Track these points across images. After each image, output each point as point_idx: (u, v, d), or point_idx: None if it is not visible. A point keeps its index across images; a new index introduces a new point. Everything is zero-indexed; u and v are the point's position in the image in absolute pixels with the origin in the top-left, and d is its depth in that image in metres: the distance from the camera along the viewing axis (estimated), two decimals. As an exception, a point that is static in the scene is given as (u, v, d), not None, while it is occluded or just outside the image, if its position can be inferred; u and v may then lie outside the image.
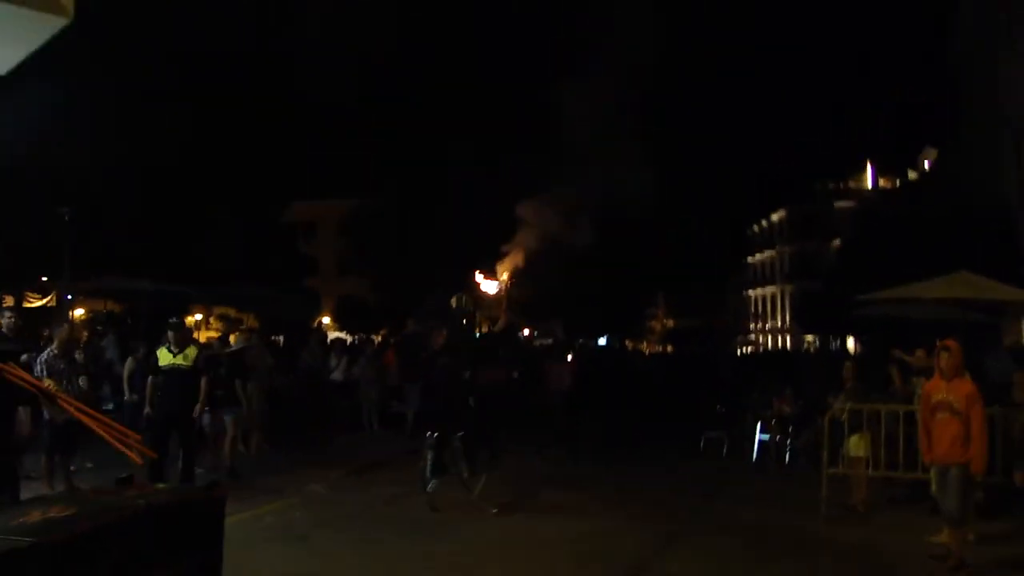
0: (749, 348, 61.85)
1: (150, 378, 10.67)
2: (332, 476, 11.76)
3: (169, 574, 3.70)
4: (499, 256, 23.63)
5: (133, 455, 4.88)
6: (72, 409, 4.76)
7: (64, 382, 9.92)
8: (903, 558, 7.95)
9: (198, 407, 10.55)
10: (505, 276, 16.50)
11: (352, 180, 32.76)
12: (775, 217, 68.89)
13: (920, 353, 10.37)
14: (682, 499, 10.80)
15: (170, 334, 10.51)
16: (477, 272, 15.58)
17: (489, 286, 15.26)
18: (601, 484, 11.76)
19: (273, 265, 36.49)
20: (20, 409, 9.00)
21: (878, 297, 13.82)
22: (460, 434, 9.97)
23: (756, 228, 73.25)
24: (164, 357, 10.34)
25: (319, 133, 33.61)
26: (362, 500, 10.45)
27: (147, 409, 10.55)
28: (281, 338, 24.93)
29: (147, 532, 3.63)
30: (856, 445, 9.96)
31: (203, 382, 10.58)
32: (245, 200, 31.51)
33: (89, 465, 10.52)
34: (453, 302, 10.63)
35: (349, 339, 22.27)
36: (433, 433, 9.86)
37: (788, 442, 13.59)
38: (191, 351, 10.48)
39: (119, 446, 4.68)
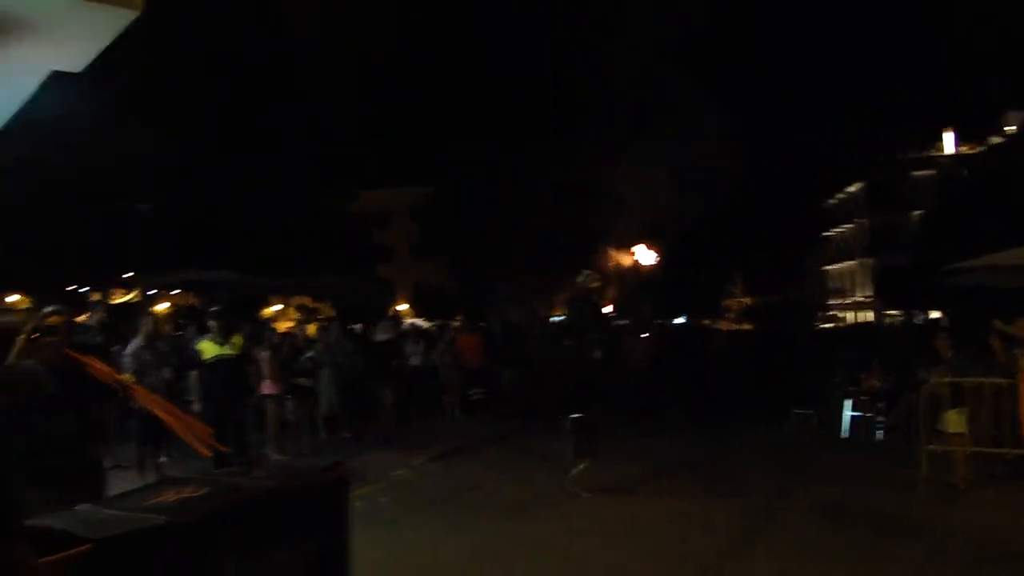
0: (830, 324, 60.55)
1: (192, 374, 10.34)
2: (416, 462, 11.76)
3: (297, 553, 3.79)
4: (587, 236, 23.50)
5: (202, 448, 4.85)
6: (145, 401, 4.74)
7: (150, 374, 10.07)
8: (1014, 537, 7.61)
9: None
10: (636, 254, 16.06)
11: (423, 167, 32.84)
12: (852, 189, 67.32)
13: (1022, 323, 9.94)
14: (772, 478, 10.51)
15: (213, 323, 10.26)
16: (610, 248, 15.26)
17: (630, 259, 14.90)
18: (688, 464, 11.56)
19: (347, 254, 36.80)
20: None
21: (970, 265, 13.18)
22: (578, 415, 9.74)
23: (833, 201, 71.69)
24: (210, 349, 10.05)
25: (389, 121, 33.62)
26: (448, 485, 10.42)
27: (195, 405, 10.05)
28: (359, 326, 25.05)
29: (273, 513, 3.73)
30: (955, 421, 9.61)
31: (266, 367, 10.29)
32: (318, 190, 31.75)
33: (163, 459, 10.32)
34: (580, 279, 10.26)
35: (426, 324, 22.30)
36: (576, 415, 9.67)
37: (879, 418, 13.21)
38: (237, 339, 10.26)
39: (189, 438, 4.65)
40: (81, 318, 12.27)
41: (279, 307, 37.19)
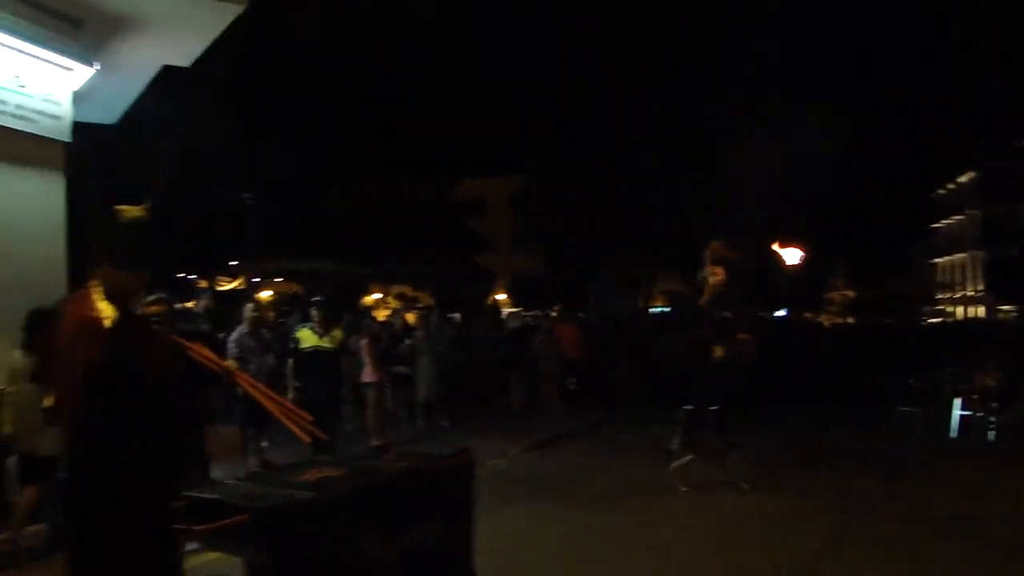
0: (937, 319, 58.66)
1: (289, 361, 10.18)
2: (512, 451, 11.78)
3: (428, 531, 4.05)
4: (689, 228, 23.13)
5: (302, 434, 4.94)
6: (247, 387, 4.84)
7: (253, 360, 10.29)
8: None
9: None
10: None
11: (523, 156, 32.79)
12: (963, 179, 65.01)
13: None
14: (875, 478, 10.15)
15: (314, 313, 10.09)
16: (775, 243, 14.91)
17: (790, 255, 14.58)
18: (788, 460, 11.21)
19: (446, 244, 37.11)
20: None
21: None
22: (714, 408, 9.39)
23: (942, 192, 69.36)
24: (308, 338, 9.85)
25: (487, 110, 33.72)
26: (544, 475, 10.44)
27: (290, 393, 9.78)
28: (458, 315, 25.26)
29: (409, 493, 4.02)
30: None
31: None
32: (415, 180, 32.07)
33: (265, 444, 10.47)
34: (703, 274, 9.46)
35: (524, 314, 22.35)
36: (689, 407, 9.47)
37: (991, 418, 12.74)
38: (337, 333, 10.08)
39: (290, 425, 4.73)
40: (188, 305, 12.62)
41: (378, 296, 37.80)
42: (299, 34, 25.75)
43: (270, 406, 4.73)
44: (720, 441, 9.31)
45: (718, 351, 9.03)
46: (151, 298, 6.03)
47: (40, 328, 6.37)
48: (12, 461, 7.10)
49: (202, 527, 3.58)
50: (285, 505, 3.56)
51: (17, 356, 6.80)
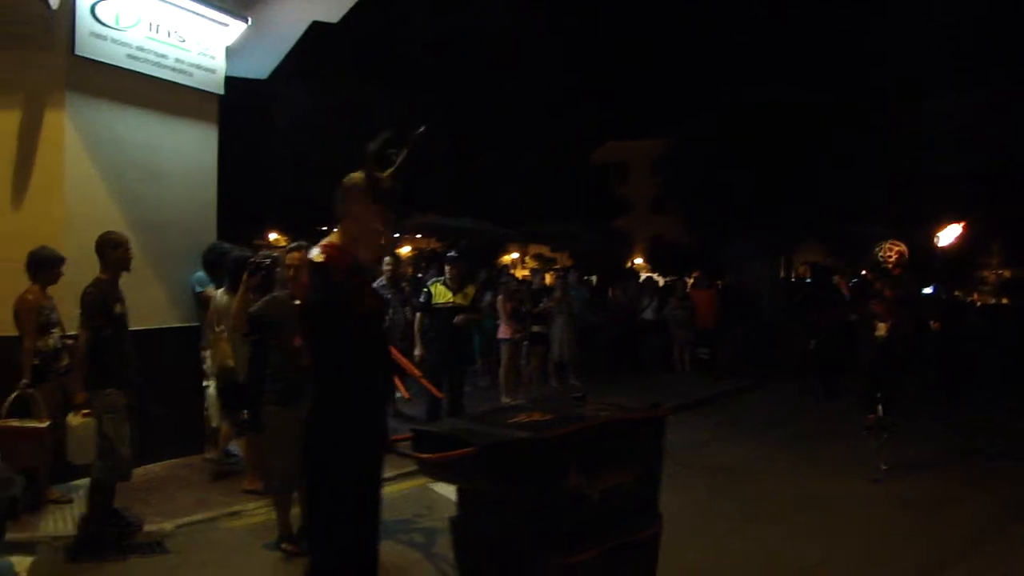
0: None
1: (418, 315, 10.03)
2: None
3: (624, 474, 4.40)
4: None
5: (403, 390, 5.13)
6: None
7: (393, 312, 10.52)
8: None
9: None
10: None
11: (668, 119, 32.18)
12: None
13: None
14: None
15: (448, 268, 9.88)
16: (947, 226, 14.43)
17: (948, 234, 14.07)
18: (940, 443, 10.51)
19: (586, 205, 36.91)
20: None
21: None
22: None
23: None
24: (441, 294, 9.57)
25: (633, 71, 33.14)
26: (675, 441, 10.31)
27: (417, 350, 9.77)
28: (594, 277, 25.20)
29: (607, 438, 4.33)
30: None
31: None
32: (558, 141, 31.86)
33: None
34: (878, 251, 9.05)
35: (662, 281, 22.09)
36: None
37: None
38: (470, 289, 9.79)
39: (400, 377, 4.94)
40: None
41: (516, 255, 38.00)
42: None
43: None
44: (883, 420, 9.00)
45: (882, 328, 8.88)
46: (291, 246, 6.22)
47: (234, 271, 7.23)
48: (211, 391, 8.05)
49: (436, 456, 4.11)
50: (507, 441, 4.07)
51: (220, 296, 7.71)
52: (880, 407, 8.91)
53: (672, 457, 9.16)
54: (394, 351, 4.75)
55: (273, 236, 28.55)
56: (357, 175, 4.07)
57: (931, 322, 9.79)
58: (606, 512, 4.25)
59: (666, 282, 21.38)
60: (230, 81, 9.18)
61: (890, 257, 8.86)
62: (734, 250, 24.45)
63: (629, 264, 38.41)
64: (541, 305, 14.04)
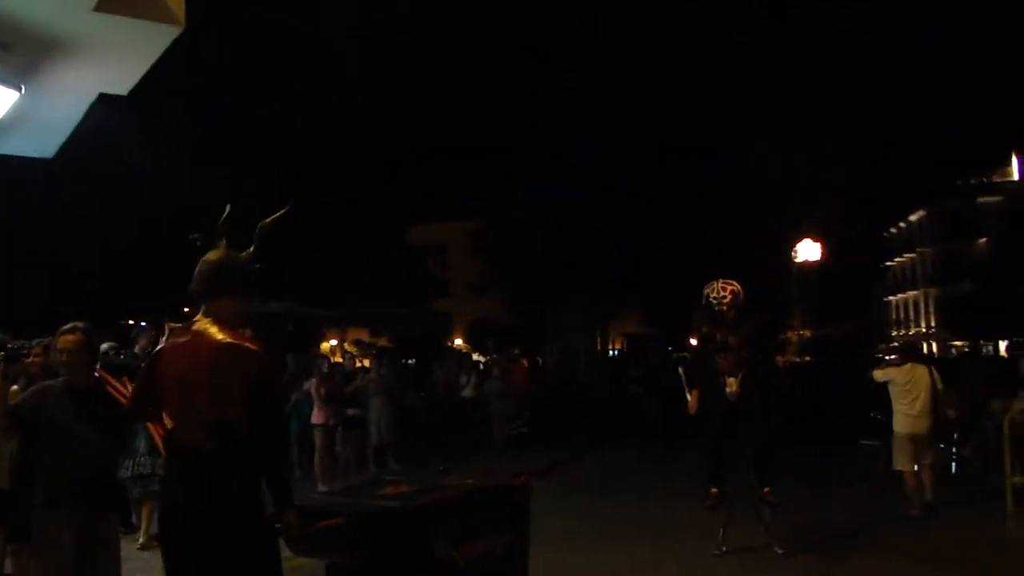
0: (894, 356, 59.17)
1: None
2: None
3: (492, 542, 4.46)
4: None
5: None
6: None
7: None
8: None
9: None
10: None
11: (481, 199, 32.57)
12: (913, 218, 65.92)
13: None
14: (841, 518, 9.75)
15: None
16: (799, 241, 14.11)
17: (809, 251, 13.72)
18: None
19: (404, 287, 36.70)
20: None
21: None
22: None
23: (894, 231, 70.27)
24: None
25: (443, 155, 33.48)
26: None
27: None
28: (413, 360, 24.83)
29: (476, 506, 4.48)
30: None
31: None
32: (371, 224, 31.69)
33: None
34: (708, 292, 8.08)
35: (482, 359, 22.00)
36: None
37: (954, 450, 12.57)
38: None
39: None
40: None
41: (335, 342, 37.18)
42: (239, 67, 25.42)
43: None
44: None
45: (732, 384, 7.87)
46: (66, 327, 5.65)
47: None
48: None
49: (303, 527, 3.92)
50: (375, 510, 4.15)
51: None
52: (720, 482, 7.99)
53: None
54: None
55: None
56: (219, 255, 4.08)
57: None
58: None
59: (486, 360, 21.33)
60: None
61: (724, 298, 7.89)
62: (554, 323, 24.79)
63: (451, 345, 38.31)
64: (355, 383, 13.57)
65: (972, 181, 59.37)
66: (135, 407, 4.32)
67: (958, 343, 50.32)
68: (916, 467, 9.72)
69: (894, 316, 72.53)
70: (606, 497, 11.51)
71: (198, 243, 4.35)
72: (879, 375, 10.17)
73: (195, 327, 4.02)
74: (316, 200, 28.10)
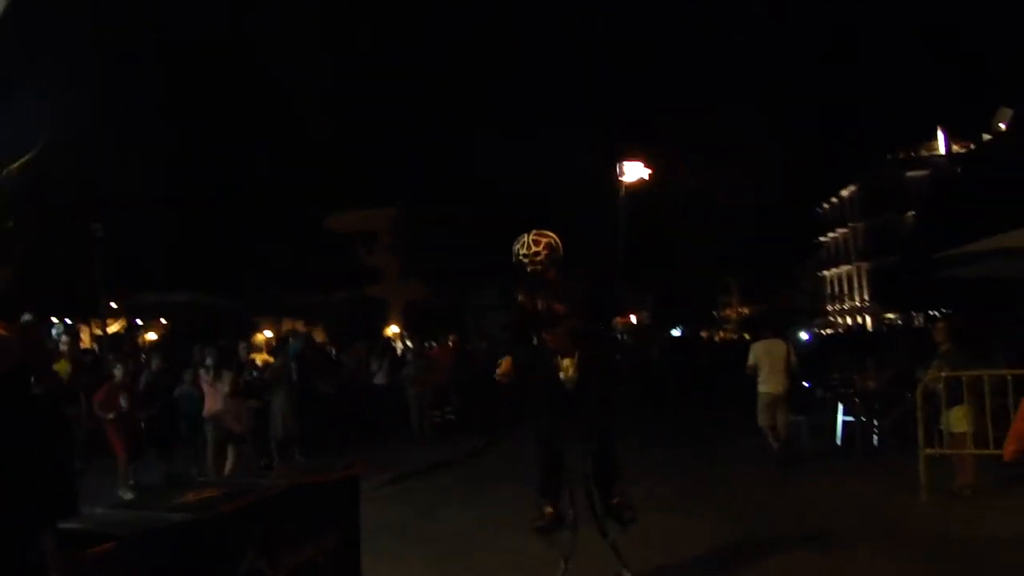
0: (828, 330, 59.62)
1: None
2: (366, 486, 10.68)
3: (314, 549, 3.91)
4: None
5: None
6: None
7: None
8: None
9: None
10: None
11: (401, 186, 32.04)
12: (845, 193, 66.47)
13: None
14: (761, 493, 9.52)
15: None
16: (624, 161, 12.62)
17: (635, 171, 12.18)
18: (676, 478, 10.51)
19: (335, 276, 35.95)
20: None
21: (977, 249, 10.62)
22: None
23: (826, 206, 70.83)
24: None
25: (360, 141, 32.85)
26: (396, 512, 9.38)
27: None
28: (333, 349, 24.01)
29: (290, 510, 3.85)
30: (957, 419, 8.62)
31: None
32: (293, 211, 30.87)
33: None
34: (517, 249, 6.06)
35: (400, 345, 21.39)
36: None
37: (875, 422, 12.21)
38: None
39: None
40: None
41: (269, 333, 36.22)
42: (163, 53, 24.55)
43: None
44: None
45: (568, 366, 5.94)
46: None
47: None
48: None
49: (63, 555, 3.06)
50: (158, 529, 3.33)
51: None
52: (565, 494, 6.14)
53: (392, 528, 8.36)
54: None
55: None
56: None
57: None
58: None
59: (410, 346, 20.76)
60: None
61: (538, 255, 5.93)
62: (474, 302, 24.30)
63: (386, 332, 37.62)
64: (254, 375, 12.81)
65: (900, 156, 59.97)
66: None
67: (890, 316, 50.84)
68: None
69: (829, 290, 73.23)
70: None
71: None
72: (750, 360, 11.78)
73: None
74: (233, 191, 27.29)
